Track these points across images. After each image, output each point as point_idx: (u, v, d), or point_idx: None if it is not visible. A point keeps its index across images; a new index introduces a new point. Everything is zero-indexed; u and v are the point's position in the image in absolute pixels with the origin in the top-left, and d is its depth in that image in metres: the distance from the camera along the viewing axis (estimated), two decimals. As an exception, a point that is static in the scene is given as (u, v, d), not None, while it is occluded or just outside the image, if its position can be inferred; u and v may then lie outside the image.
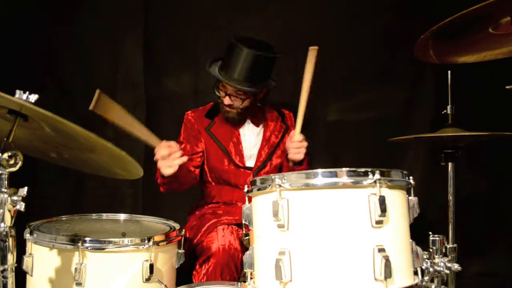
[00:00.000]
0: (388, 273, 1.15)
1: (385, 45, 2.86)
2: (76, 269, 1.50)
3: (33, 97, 1.12)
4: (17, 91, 1.11)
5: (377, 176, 1.20)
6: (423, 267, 1.54)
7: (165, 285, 1.59)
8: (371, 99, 2.90)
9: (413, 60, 1.80)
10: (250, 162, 2.20)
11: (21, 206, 1.14)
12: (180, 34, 2.84)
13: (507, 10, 1.33)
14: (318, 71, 2.86)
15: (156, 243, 1.62)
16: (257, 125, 2.24)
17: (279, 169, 2.28)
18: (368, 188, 1.21)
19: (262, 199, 1.32)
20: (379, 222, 1.19)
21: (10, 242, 1.14)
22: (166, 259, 1.70)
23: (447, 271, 1.62)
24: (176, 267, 1.76)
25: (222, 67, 2.08)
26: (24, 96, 1.11)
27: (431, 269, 1.59)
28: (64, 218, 1.92)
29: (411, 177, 1.33)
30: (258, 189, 1.32)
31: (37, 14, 2.69)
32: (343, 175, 1.22)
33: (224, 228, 1.98)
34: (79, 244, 1.51)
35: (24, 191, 1.15)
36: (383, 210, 1.18)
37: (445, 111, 1.95)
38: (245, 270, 1.37)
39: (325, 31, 2.83)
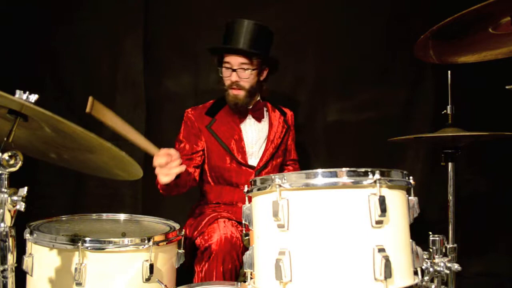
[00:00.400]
0: (388, 273, 1.15)
1: (385, 45, 2.86)
2: (76, 269, 1.50)
3: (33, 97, 1.12)
4: (17, 91, 1.11)
5: (377, 176, 1.20)
6: (423, 267, 1.54)
7: (165, 285, 1.59)
8: (371, 99, 2.90)
9: (413, 60, 1.81)
10: (252, 161, 2.19)
11: (21, 206, 1.14)
12: (180, 34, 2.84)
13: (507, 10, 1.33)
14: (317, 71, 2.89)
15: (156, 243, 1.62)
16: (259, 121, 2.23)
17: (279, 169, 2.28)
18: (368, 188, 1.21)
19: (262, 199, 1.32)
20: (379, 222, 1.19)
21: (10, 242, 1.14)
22: (166, 259, 1.70)
23: (447, 271, 1.62)
24: (176, 267, 1.76)
25: (223, 44, 2.12)
26: (24, 96, 1.11)
27: (431, 269, 1.59)
28: (64, 218, 1.92)
29: (411, 177, 1.33)
30: (258, 189, 1.32)
31: (37, 13, 2.69)
32: (343, 175, 1.22)
33: (225, 221, 1.98)
34: (79, 244, 1.51)
35: (24, 191, 1.15)
36: (383, 210, 1.18)
37: (445, 111, 1.95)
38: (245, 270, 1.37)
39: (325, 31, 2.83)
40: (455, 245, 1.82)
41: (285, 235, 1.23)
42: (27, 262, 1.58)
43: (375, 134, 2.76)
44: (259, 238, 1.32)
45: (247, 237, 1.44)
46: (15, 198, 1.13)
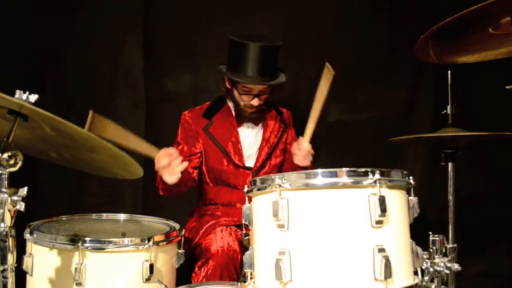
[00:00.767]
0: (388, 273, 1.15)
1: (385, 45, 2.86)
2: (76, 269, 1.50)
3: (33, 97, 1.12)
4: (17, 91, 1.11)
5: (377, 176, 1.20)
6: (423, 267, 1.54)
7: (165, 285, 1.59)
8: (371, 99, 2.90)
9: (413, 60, 1.81)
10: (249, 162, 2.19)
11: (21, 206, 1.13)
12: (180, 34, 2.83)
13: (507, 10, 1.33)
14: (317, 71, 2.88)
15: (156, 243, 1.62)
16: (256, 124, 2.23)
17: (279, 169, 2.28)
18: (368, 188, 1.21)
19: (262, 199, 1.32)
20: (379, 222, 1.19)
21: (10, 242, 1.14)
22: (166, 259, 1.70)
23: (447, 271, 1.62)
24: (176, 267, 1.76)
25: (232, 69, 2.06)
26: (24, 96, 1.11)
27: (431, 269, 1.60)
28: (64, 218, 1.92)
29: (411, 177, 1.33)
30: (258, 189, 1.32)
31: (37, 13, 2.69)
32: (343, 175, 1.22)
33: (223, 229, 1.98)
34: (79, 244, 1.51)
35: (24, 191, 1.14)
36: (383, 210, 1.18)
37: (445, 111, 1.95)
38: (245, 270, 1.37)
39: (325, 31, 2.83)
40: (455, 245, 1.82)
41: (285, 235, 1.23)
42: (27, 262, 1.58)
43: (375, 134, 2.76)
44: (259, 238, 1.32)
45: (247, 237, 1.44)
46: (15, 198, 1.13)
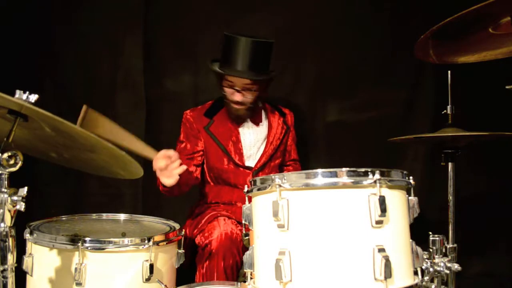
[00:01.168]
0: (388, 273, 1.15)
1: (385, 45, 2.86)
2: (76, 269, 1.50)
3: (33, 97, 1.12)
4: (17, 91, 1.11)
5: (377, 176, 1.20)
6: (423, 267, 1.54)
7: (165, 285, 1.59)
8: (371, 99, 2.90)
9: (413, 60, 1.80)
10: (250, 162, 2.20)
11: (21, 206, 1.13)
12: (180, 34, 2.83)
13: (507, 10, 1.33)
14: (317, 71, 2.88)
15: (156, 243, 1.62)
16: (257, 124, 2.23)
17: (278, 170, 2.28)
18: (368, 188, 1.21)
19: (262, 199, 1.32)
20: (379, 222, 1.19)
21: (10, 242, 1.14)
22: (166, 259, 1.70)
23: (447, 271, 1.62)
24: (176, 267, 1.76)
25: (222, 64, 2.07)
26: (24, 96, 1.11)
27: (431, 269, 1.60)
28: (64, 218, 1.93)
29: (411, 177, 1.33)
30: (258, 189, 1.32)
31: (37, 13, 2.69)
32: (343, 175, 1.22)
33: (225, 218, 1.98)
34: (79, 244, 1.52)
35: (24, 191, 1.14)
36: (383, 210, 1.18)
37: (445, 111, 1.95)
38: (245, 270, 1.37)
39: (325, 31, 2.83)
40: (455, 245, 1.82)
41: (285, 235, 1.23)
42: (27, 262, 1.58)
43: (375, 134, 2.76)
44: (259, 238, 1.32)
45: (247, 237, 1.44)
46: (15, 198, 1.13)
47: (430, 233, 1.68)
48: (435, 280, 1.62)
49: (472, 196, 2.71)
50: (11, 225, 1.14)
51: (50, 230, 1.73)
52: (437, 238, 1.67)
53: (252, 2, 2.84)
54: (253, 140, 2.21)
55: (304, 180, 1.23)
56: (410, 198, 1.33)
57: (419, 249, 1.30)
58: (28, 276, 1.61)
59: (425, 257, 1.55)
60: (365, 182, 1.21)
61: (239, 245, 1.88)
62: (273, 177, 1.25)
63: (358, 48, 2.84)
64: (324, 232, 1.20)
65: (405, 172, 1.32)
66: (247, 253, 1.37)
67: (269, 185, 1.26)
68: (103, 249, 1.57)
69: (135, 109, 2.81)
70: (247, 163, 2.19)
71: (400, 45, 2.70)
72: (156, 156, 1.76)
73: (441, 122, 1.94)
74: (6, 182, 1.13)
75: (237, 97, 2.07)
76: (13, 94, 1.09)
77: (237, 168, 2.17)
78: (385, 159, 2.77)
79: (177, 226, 1.84)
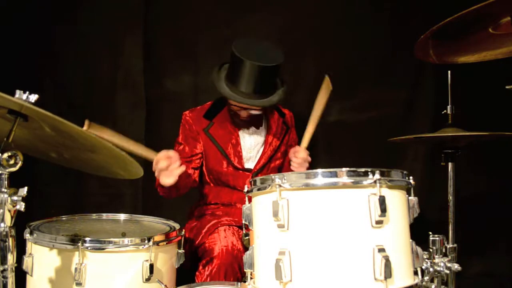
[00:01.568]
0: (388, 273, 1.15)
1: (385, 45, 2.86)
2: (76, 269, 1.50)
3: (33, 97, 1.12)
4: (17, 91, 1.11)
5: (377, 176, 1.20)
6: (423, 267, 1.54)
7: (165, 285, 1.59)
8: (371, 99, 2.90)
9: (413, 60, 1.80)
10: (249, 164, 2.18)
11: (21, 206, 1.13)
12: (180, 34, 2.83)
13: (507, 10, 1.33)
14: (317, 71, 2.88)
15: (156, 243, 1.62)
16: (257, 127, 2.21)
17: (278, 171, 2.27)
18: (368, 188, 1.21)
19: (262, 199, 1.32)
20: (379, 222, 1.19)
21: (10, 242, 1.14)
22: (166, 259, 1.70)
23: (447, 271, 1.62)
24: (176, 267, 1.76)
25: (228, 79, 2.00)
26: (24, 96, 1.11)
27: (431, 269, 1.60)
28: (64, 218, 1.93)
29: (411, 177, 1.33)
30: (258, 189, 1.32)
31: (37, 13, 2.69)
32: (343, 175, 1.22)
33: (226, 229, 1.98)
34: (79, 244, 1.51)
35: (24, 191, 1.15)
36: (383, 210, 1.18)
37: (445, 111, 1.95)
38: (245, 270, 1.37)
39: (325, 31, 2.83)
40: (455, 245, 1.82)
41: (285, 235, 1.23)
42: (27, 262, 1.58)
43: (375, 134, 2.76)
44: (259, 238, 1.32)
45: (247, 237, 1.44)
46: (15, 198, 1.13)
47: (430, 233, 1.68)
48: (435, 280, 1.62)
49: (472, 196, 2.71)
50: (11, 225, 1.14)
51: (50, 230, 1.73)
52: (437, 238, 1.67)
53: (252, 2, 2.84)
54: (253, 143, 2.20)
55: (304, 180, 1.23)
56: (410, 198, 1.33)
57: (419, 249, 1.30)
58: (28, 276, 1.61)
59: (425, 257, 1.55)
60: (365, 182, 1.21)
61: (240, 261, 1.86)
62: (273, 177, 1.25)
63: (358, 48, 2.84)
64: (324, 232, 1.20)
65: (405, 172, 1.32)
66: (247, 253, 1.37)
67: (269, 185, 1.26)
68: (103, 249, 1.56)
69: (135, 109, 2.81)
70: (247, 165, 2.17)
71: (400, 45, 2.70)
72: (156, 157, 1.77)
73: (441, 122, 1.94)
74: (6, 182, 1.13)
75: (244, 113, 2.07)
76: (13, 94, 1.09)
77: (236, 170, 2.16)
78: (385, 159, 2.77)
79: (177, 226, 1.83)
